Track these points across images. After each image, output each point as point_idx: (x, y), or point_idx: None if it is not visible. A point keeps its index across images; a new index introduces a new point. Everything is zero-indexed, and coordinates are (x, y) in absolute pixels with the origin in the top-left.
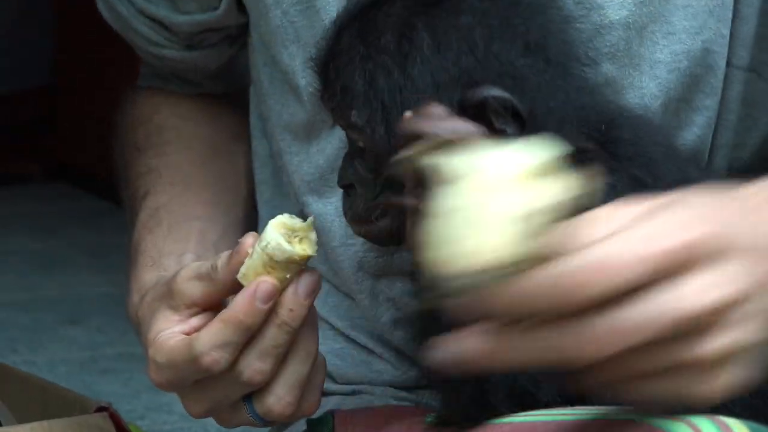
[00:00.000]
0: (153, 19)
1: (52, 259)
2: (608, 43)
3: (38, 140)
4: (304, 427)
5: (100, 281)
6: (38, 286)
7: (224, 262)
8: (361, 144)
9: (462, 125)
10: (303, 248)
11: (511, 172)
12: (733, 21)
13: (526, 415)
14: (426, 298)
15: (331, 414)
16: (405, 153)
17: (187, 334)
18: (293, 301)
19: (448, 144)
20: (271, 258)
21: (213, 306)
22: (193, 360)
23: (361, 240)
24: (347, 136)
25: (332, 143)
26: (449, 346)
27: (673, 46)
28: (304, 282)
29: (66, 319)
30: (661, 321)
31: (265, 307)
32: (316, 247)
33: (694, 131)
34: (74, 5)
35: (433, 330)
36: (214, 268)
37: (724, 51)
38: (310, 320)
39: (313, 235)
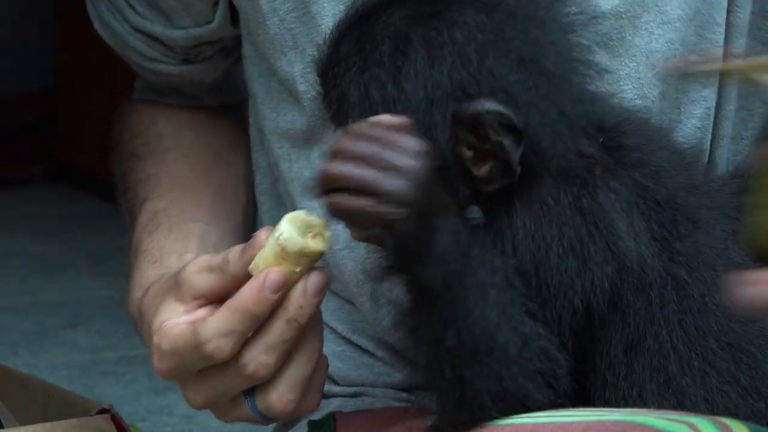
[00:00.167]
0: (148, 35)
1: (52, 262)
2: (600, 33)
3: (38, 143)
4: (306, 429)
5: (101, 284)
6: (39, 289)
7: (237, 254)
8: None
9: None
10: (316, 243)
11: None
12: (729, 9)
13: (527, 417)
14: None
15: (332, 416)
16: None
17: (193, 324)
18: (302, 297)
19: None
20: (283, 249)
21: (220, 299)
22: (197, 347)
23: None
24: None
25: None
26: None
27: (668, 35)
28: (314, 279)
29: (67, 323)
30: None
31: (274, 296)
32: (329, 245)
33: (693, 123)
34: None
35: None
36: (226, 260)
37: (719, 39)
38: (315, 319)
39: (327, 234)
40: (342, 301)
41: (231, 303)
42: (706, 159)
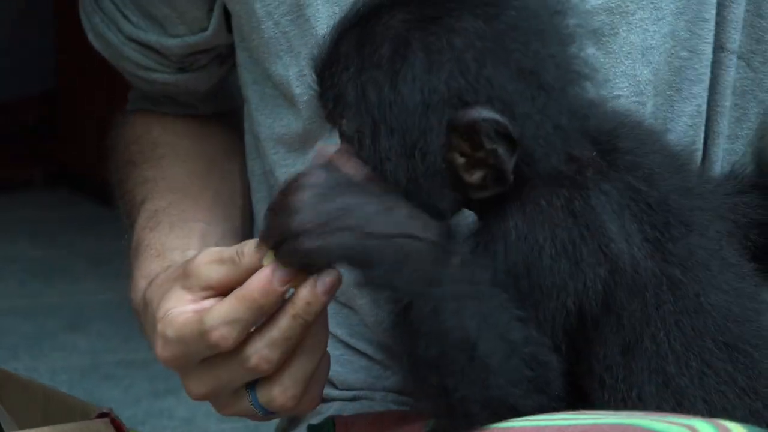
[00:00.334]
0: (143, 45)
1: (52, 265)
2: (591, 28)
3: (38, 146)
4: None
5: (101, 288)
6: (39, 293)
7: (252, 247)
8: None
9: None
10: None
11: None
12: (725, 4)
13: (525, 420)
14: None
15: (331, 419)
16: None
17: (198, 313)
18: (311, 294)
19: None
20: None
21: (229, 291)
22: (202, 334)
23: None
24: (340, 139)
25: None
26: None
27: (662, 30)
28: (324, 277)
29: (67, 326)
30: None
31: (282, 288)
32: None
33: (684, 121)
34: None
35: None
36: (240, 253)
37: (709, 36)
38: (322, 317)
39: None
40: (340, 305)
41: (238, 292)
42: (700, 157)
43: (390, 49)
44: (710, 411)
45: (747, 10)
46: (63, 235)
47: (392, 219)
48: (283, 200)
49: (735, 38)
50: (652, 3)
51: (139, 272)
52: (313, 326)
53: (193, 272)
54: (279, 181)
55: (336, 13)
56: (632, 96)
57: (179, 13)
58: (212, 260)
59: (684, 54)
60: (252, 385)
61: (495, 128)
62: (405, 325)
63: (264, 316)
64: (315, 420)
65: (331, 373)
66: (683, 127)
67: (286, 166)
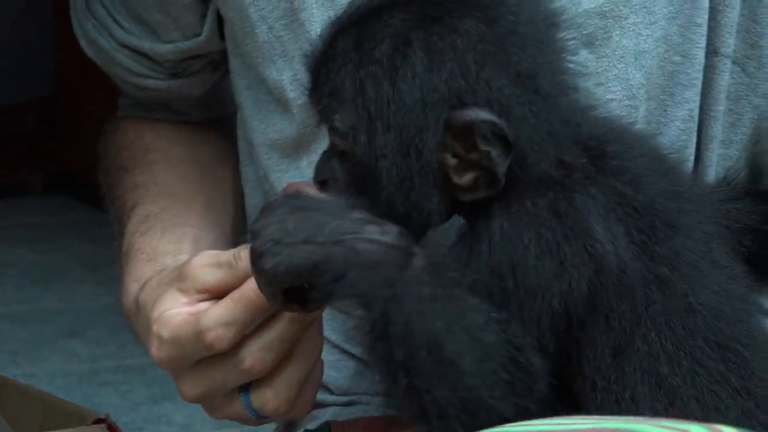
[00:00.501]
0: (135, 51)
1: (51, 271)
2: (584, 32)
3: (38, 152)
4: None
5: (100, 293)
6: (37, 298)
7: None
8: (341, 147)
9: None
10: None
11: None
12: (718, 9)
13: (521, 426)
14: None
15: (327, 425)
16: None
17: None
18: None
19: None
20: None
21: (224, 295)
22: (197, 335)
23: None
24: (329, 136)
25: None
26: None
27: (655, 34)
28: None
29: (65, 332)
30: None
31: None
32: None
33: (677, 125)
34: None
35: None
36: (237, 257)
37: (701, 41)
38: (317, 322)
39: None
40: (335, 310)
41: (235, 294)
42: (694, 161)
43: (390, 47)
44: (703, 410)
45: (742, 15)
46: (61, 241)
47: (350, 226)
48: (251, 227)
49: (729, 43)
50: (645, 7)
51: (130, 276)
52: (308, 330)
53: (189, 275)
54: (273, 187)
55: (331, 17)
56: (625, 100)
57: (173, 18)
58: (209, 263)
59: (677, 58)
60: (245, 389)
61: (492, 130)
62: (372, 329)
63: (260, 318)
64: (311, 425)
65: (326, 378)
66: (676, 131)
67: (279, 172)
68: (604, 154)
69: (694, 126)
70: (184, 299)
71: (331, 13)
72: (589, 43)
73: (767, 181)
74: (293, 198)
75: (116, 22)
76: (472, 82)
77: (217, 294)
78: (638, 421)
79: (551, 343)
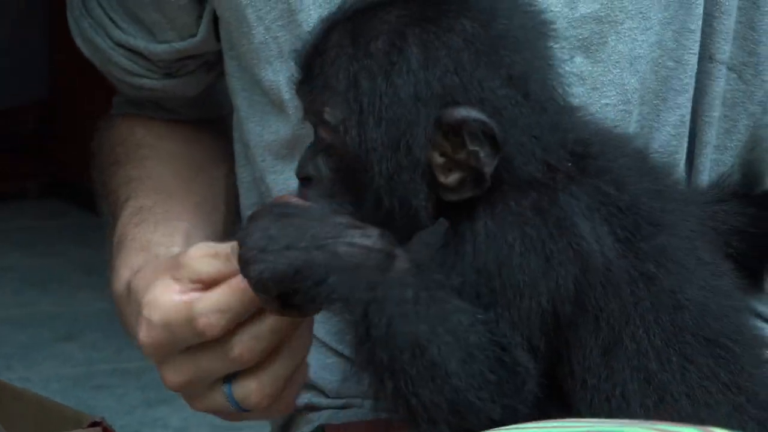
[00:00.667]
0: (130, 50)
1: (47, 275)
2: (580, 37)
3: (33, 156)
4: None
5: (96, 297)
6: (33, 302)
7: None
8: (328, 141)
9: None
10: None
11: None
12: (714, 15)
13: (517, 428)
14: None
15: (322, 428)
16: None
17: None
18: None
19: None
20: None
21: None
22: (190, 320)
23: None
24: (315, 131)
25: None
26: None
27: (650, 39)
28: None
29: (61, 335)
30: None
31: None
32: None
33: (668, 130)
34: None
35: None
36: (234, 249)
37: (694, 47)
38: (308, 319)
39: None
40: (330, 314)
41: (231, 282)
42: (685, 166)
43: (386, 42)
44: (693, 406)
45: (739, 22)
46: (57, 245)
47: (331, 231)
48: (238, 236)
49: (725, 49)
50: (641, 12)
51: (123, 263)
52: (299, 328)
53: (184, 264)
54: (269, 189)
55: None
56: (619, 104)
57: (169, 18)
58: (206, 254)
59: (670, 64)
60: (229, 380)
61: (482, 129)
62: (356, 332)
63: (253, 308)
64: (306, 428)
65: (321, 381)
66: (667, 136)
67: (275, 173)
68: (587, 155)
69: (686, 131)
70: (176, 287)
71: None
72: (585, 48)
73: (760, 188)
74: (277, 206)
75: (112, 21)
76: (465, 81)
77: (210, 285)
78: (631, 423)
79: (541, 343)
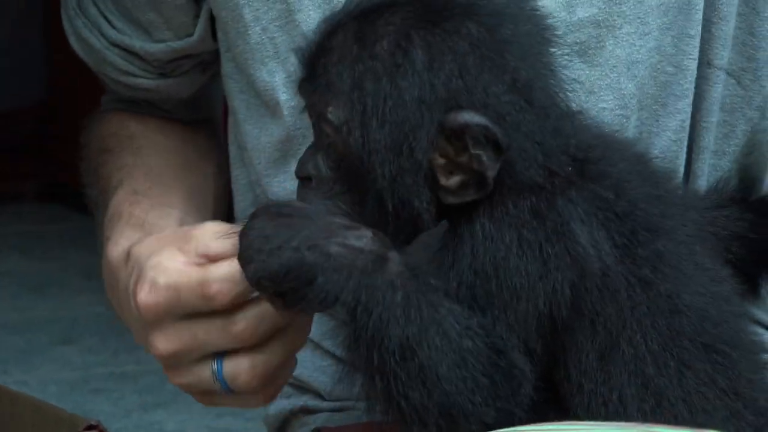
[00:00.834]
0: (126, 50)
1: (44, 279)
2: (578, 41)
3: (30, 160)
4: None
5: (93, 301)
6: (30, 306)
7: None
8: (330, 141)
9: None
10: None
11: None
12: (712, 21)
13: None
14: None
15: (318, 430)
16: None
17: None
18: None
19: None
20: None
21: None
22: (201, 285)
23: None
24: (316, 129)
25: None
26: None
27: (648, 44)
28: None
29: (58, 339)
30: None
31: None
32: None
33: (668, 135)
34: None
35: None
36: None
37: (693, 52)
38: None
39: None
40: (325, 315)
41: None
42: (684, 172)
43: (392, 43)
44: (690, 411)
45: (739, 28)
46: (55, 249)
47: (324, 231)
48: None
49: (723, 55)
50: (639, 18)
51: (122, 235)
52: (298, 321)
53: (194, 236)
54: (264, 191)
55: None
56: (617, 109)
57: (166, 18)
58: (218, 230)
59: (670, 69)
60: (220, 358)
61: (485, 134)
62: (345, 334)
63: None
64: (302, 431)
65: (317, 383)
66: (667, 141)
67: (268, 177)
68: (587, 160)
69: (686, 136)
70: (181, 257)
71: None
72: (583, 52)
73: (757, 192)
74: (274, 206)
75: (107, 20)
76: (470, 85)
77: (216, 262)
78: (628, 426)
79: (538, 346)
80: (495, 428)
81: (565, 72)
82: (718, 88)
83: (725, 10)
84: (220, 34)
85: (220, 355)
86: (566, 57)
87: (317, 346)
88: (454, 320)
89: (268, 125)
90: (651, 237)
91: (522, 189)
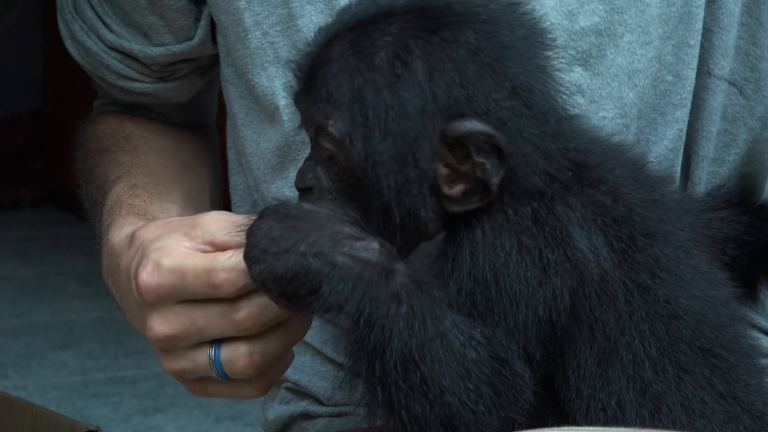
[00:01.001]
0: (124, 54)
1: (42, 284)
2: (579, 49)
3: (28, 166)
4: None
5: (91, 306)
6: (28, 311)
7: None
8: (330, 153)
9: None
10: None
11: None
12: (713, 31)
13: None
14: None
15: None
16: None
17: None
18: None
19: None
20: None
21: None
22: (208, 272)
23: None
24: (314, 142)
25: None
26: None
27: (649, 53)
28: None
29: (56, 344)
30: None
31: None
32: None
33: (665, 144)
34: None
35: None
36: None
37: (693, 62)
38: None
39: None
40: (327, 322)
41: None
42: (681, 179)
43: (391, 54)
44: (689, 416)
45: (741, 38)
46: (52, 254)
47: (332, 240)
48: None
49: (723, 65)
50: (640, 27)
51: (123, 221)
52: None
53: (201, 224)
54: (263, 196)
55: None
56: (617, 118)
57: (166, 21)
58: (226, 221)
59: (669, 78)
60: (217, 345)
61: (488, 142)
62: (350, 343)
63: None
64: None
65: (317, 389)
66: (664, 150)
67: (267, 183)
68: (585, 165)
69: (682, 145)
70: (187, 243)
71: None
72: (584, 60)
73: (756, 200)
74: (283, 207)
75: (105, 25)
76: (471, 93)
77: (221, 250)
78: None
79: (537, 351)
80: None
81: (564, 78)
82: (718, 97)
83: (726, 20)
84: (219, 39)
85: (218, 341)
86: (567, 65)
87: (317, 351)
88: (459, 332)
89: (267, 131)
90: (648, 242)
91: (523, 195)
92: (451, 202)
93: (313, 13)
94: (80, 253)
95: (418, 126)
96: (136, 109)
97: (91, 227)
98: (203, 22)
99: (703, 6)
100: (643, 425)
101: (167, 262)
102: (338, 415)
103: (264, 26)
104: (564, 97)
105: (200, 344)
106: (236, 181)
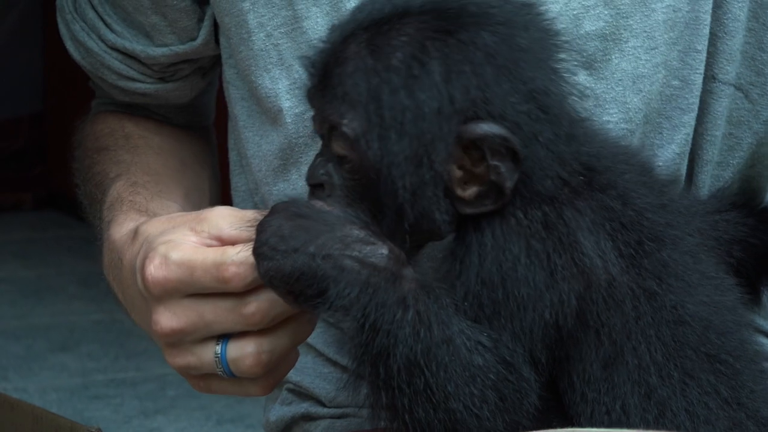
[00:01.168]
0: (125, 54)
1: (43, 286)
2: (584, 54)
3: (29, 169)
4: None
5: (91, 308)
6: (29, 313)
7: None
8: (343, 152)
9: None
10: None
11: None
12: (718, 35)
13: None
14: None
15: None
16: None
17: None
18: None
19: None
20: None
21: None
22: (217, 266)
23: None
24: (326, 139)
25: None
26: None
27: (654, 59)
28: None
29: (57, 346)
30: None
31: None
32: None
33: (673, 149)
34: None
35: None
36: (262, 215)
37: (700, 67)
38: None
39: None
40: (329, 325)
41: None
42: (686, 183)
43: (407, 55)
44: (693, 422)
45: (748, 43)
46: (53, 256)
47: (341, 242)
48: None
49: (728, 69)
50: (646, 32)
51: (125, 216)
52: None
53: (208, 218)
54: (265, 197)
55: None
56: (622, 123)
57: (170, 21)
58: (231, 215)
59: (675, 83)
60: (224, 341)
61: (504, 145)
62: (354, 346)
63: None
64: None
65: (319, 390)
66: (671, 154)
67: (268, 185)
68: (595, 169)
69: (688, 150)
70: (193, 238)
71: (336, 23)
72: (589, 65)
73: (759, 203)
74: (293, 204)
75: (106, 24)
76: (488, 96)
77: (228, 245)
78: None
79: (543, 355)
80: None
81: (573, 82)
82: (723, 102)
83: (731, 25)
84: (222, 40)
85: (225, 337)
86: (574, 69)
87: (319, 353)
88: (465, 338)
89: (269, 133)
90: (657, 247)
91: (534, 199)
92: (463, 204)
93: (318, 15)
94: (80, 255)
95: (433, 127)
96: (135, 110)
97: (91, 230)
98: (206, 23)
99: (710, 11)
100: (647, 429)
101: (175, 255)
102: (340, 417)
103: (268, 28)
104: (576, 99)
105: (206, 340)
106: (237, 183)
